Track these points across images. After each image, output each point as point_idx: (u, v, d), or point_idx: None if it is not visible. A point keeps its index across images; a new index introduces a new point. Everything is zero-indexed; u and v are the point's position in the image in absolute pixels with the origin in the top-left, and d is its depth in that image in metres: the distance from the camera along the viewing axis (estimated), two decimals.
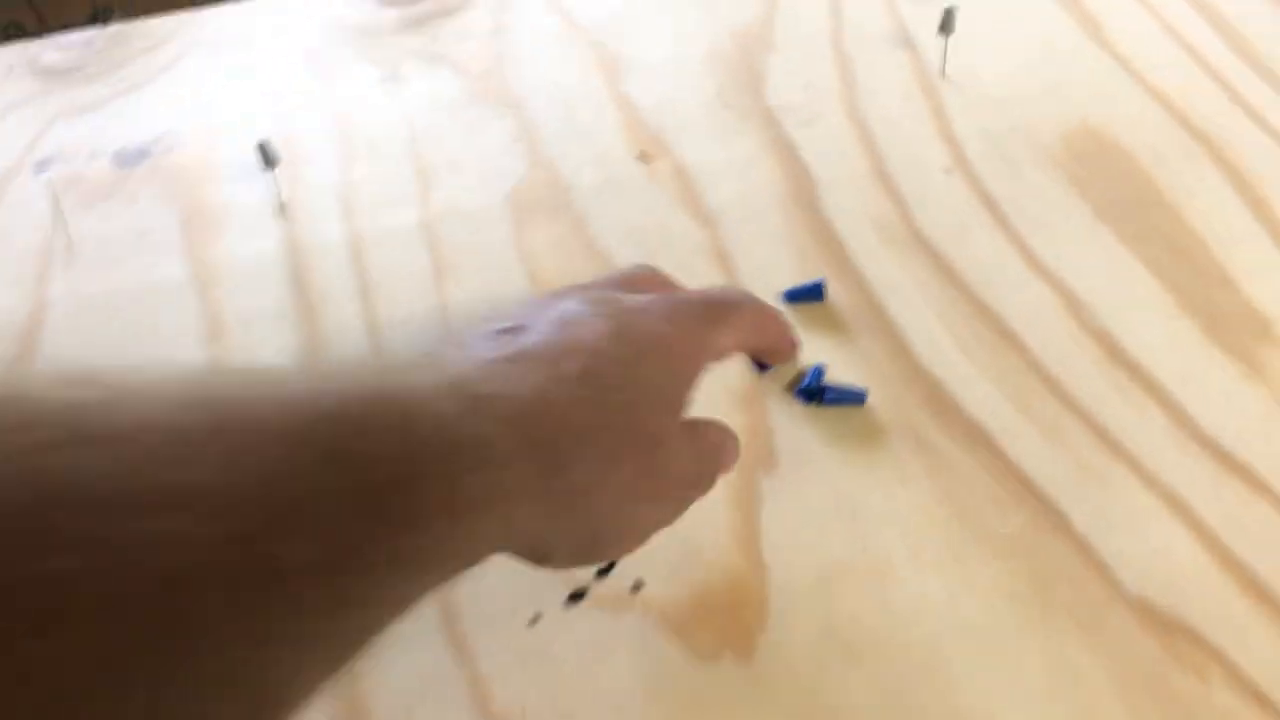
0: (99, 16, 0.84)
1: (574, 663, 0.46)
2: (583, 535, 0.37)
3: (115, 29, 0.80)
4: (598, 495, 0.36)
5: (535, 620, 0.47)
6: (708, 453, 0.42)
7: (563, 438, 0.34)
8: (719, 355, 0.42)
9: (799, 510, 0.50)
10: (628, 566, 0.48)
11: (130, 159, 0.70)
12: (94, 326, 0.60)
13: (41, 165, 0.69)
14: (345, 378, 0.31)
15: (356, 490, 0.27)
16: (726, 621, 0.47)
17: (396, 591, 0.30)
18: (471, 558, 0.33)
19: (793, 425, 0.53)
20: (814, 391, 0.53)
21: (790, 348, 0.46)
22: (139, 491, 0.23)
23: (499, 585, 0.48)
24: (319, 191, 0.66)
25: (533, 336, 0.36)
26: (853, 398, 0.53)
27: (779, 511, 0.50)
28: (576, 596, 0.48)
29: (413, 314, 0.59)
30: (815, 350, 0.56)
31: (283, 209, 0.65)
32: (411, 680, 0.46)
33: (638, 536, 0.40)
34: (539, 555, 0.37)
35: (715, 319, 0.42)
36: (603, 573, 0.48)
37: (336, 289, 0.61)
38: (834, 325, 0.57)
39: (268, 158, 0.63)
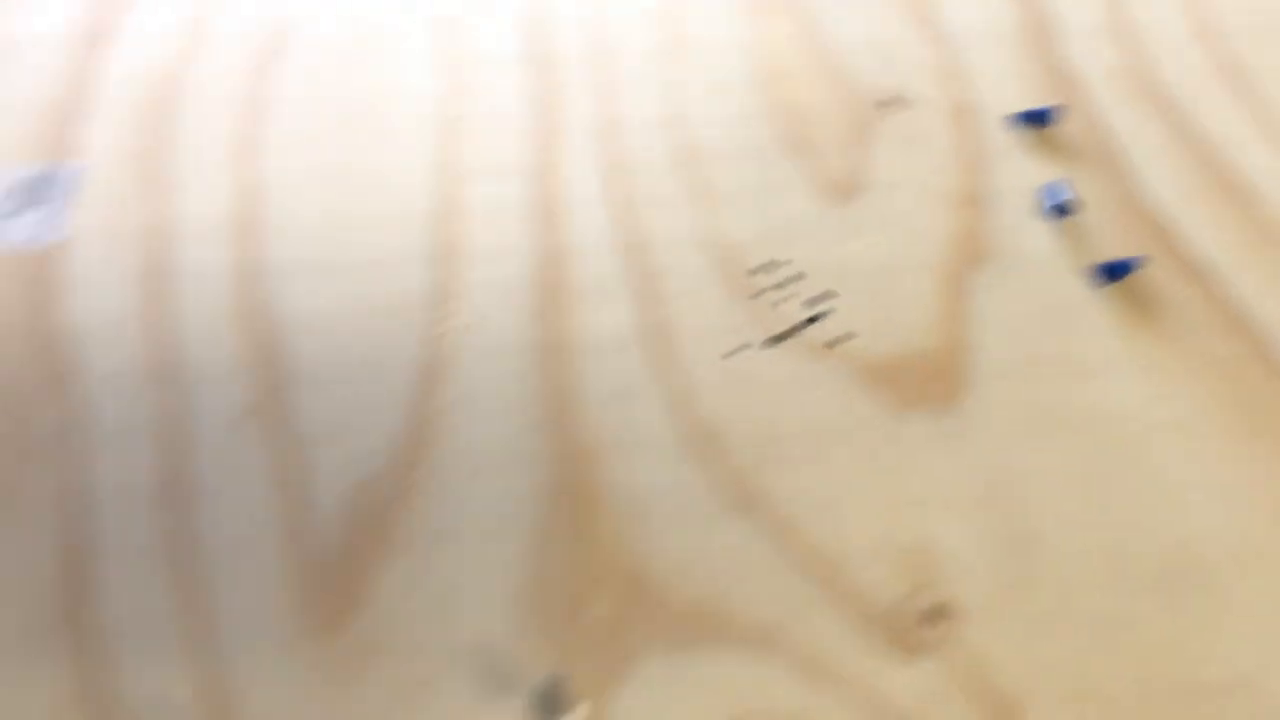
0: None
1: (775, 391, 0.47)
2: None
3: None
4: None
5: (737, 350, 0.48)
6: None
7: None
8: None
9: (1007, 305, 0.50)
10: (832, 322, 0.49)
11: None
12: (324, 42, 0.62)
13: None
14: None
15: None
16: (927, 384, 0.48)
17: None
18: None
19: (1009, 231, 0.53)
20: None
21: None
22: None
23: (710, 315, 0.49)
24: None
25: None
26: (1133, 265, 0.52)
27: (987, 304, 0.51)
28: (781, 338, 0.49)
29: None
30: (1040, 174, 0.56)
31: None
32: (616, 382, 0.47)
33: None
34: None
35: None
36: (807, 323, 0.49)
37: None
38: (1060, 152, 0.57)
39: None
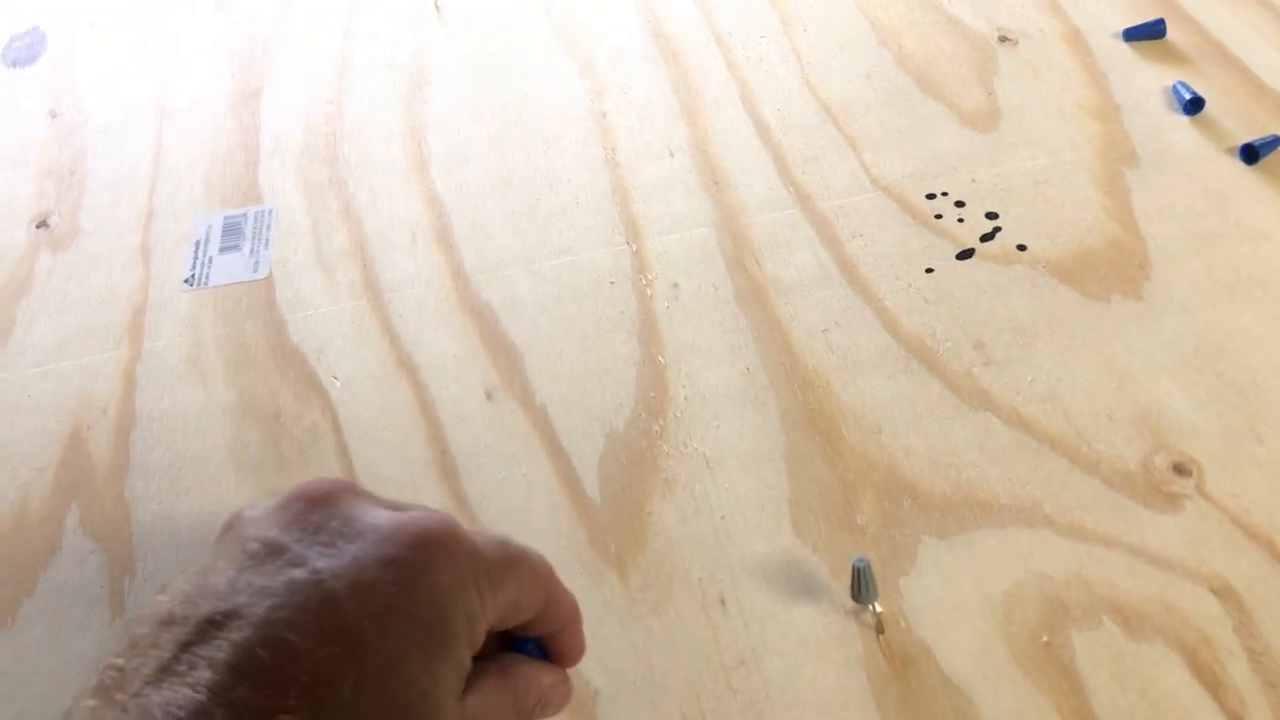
0: None
1: (973, 299, 0.50)
2: None
3: None
4: None
5: (928, 271, 0.52)
6: (517, 702, 0.32)
7: None
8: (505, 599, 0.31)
9: (1168, 193, 0.54)
10: (1009, 234, 0.53)
11: None
12: (472, 63, 0.66)
13: None
14: None
15: None
16: (1111, 272, 0.51)
17: None
18: None
19: (1151, 131, 0.57)
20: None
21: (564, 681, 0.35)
22: None
23: (893, 244, 0.53)
24: None
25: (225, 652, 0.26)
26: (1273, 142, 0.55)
27: (1148, 196, 0.54)
28: (965, 254, 0.52)
29: (756, 50, 0.64)
30: (1162, 76, 0.59)
31: None
32: (824, 314, 0.50)
33: None
34: None
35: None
36: (986, 238, 0.53)
37: (691, 37, 0.66)
38: (1173, 57, 0.60)
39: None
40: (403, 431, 0.49)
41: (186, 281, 0.56)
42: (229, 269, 0.56)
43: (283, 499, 0.30)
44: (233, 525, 0.30)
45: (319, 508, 0.30)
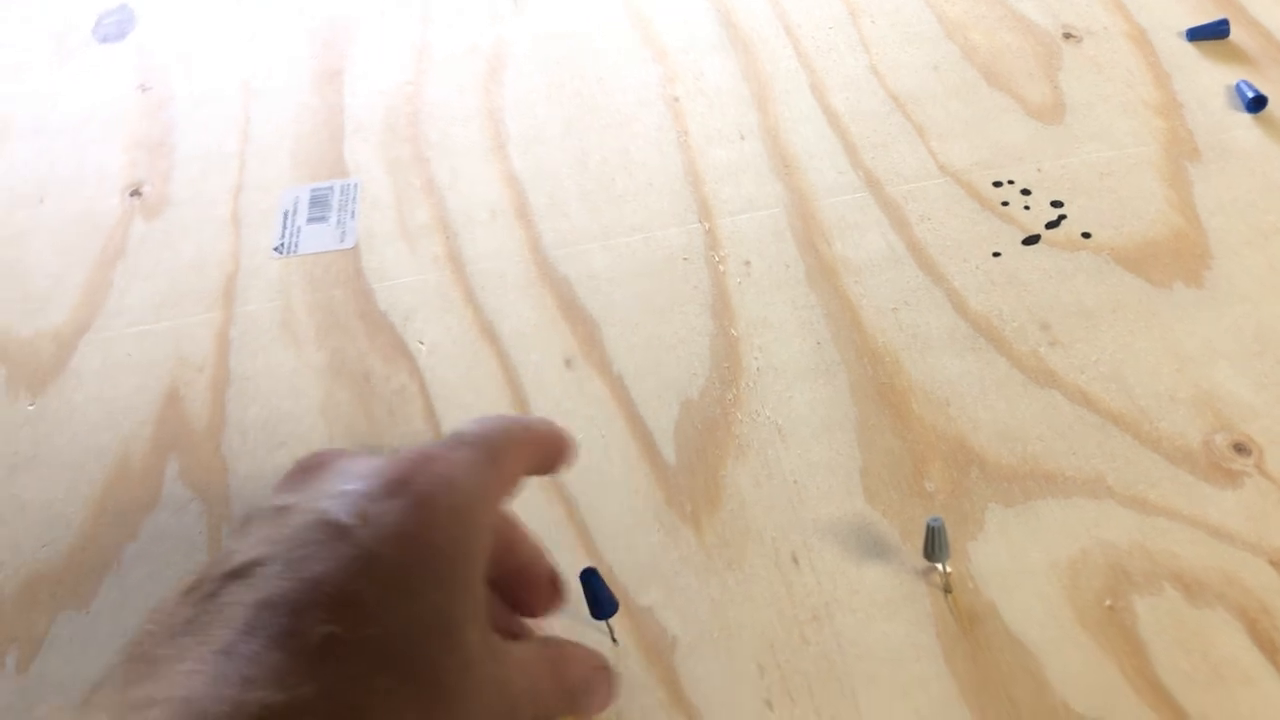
0: None
1: (1039, 283, 0.52)
2: None
3: None
4: None
5: (994, 255, 0.53)
6: (557, 672, 0.34)
7: None
8: (503, 493, 0.34)
9: (1230, 188, 0.55)
10: (1074, 222, 0.54)
11: None
12: (548, 51, 0.68)
13: None
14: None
15: None
16: (1173, 261, 0.52)
17: None
18: None
19: (1214, 127, 0.58)
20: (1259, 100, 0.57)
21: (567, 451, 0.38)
22: None
23: (960, 229, 0.55)
24: None
25: (255, 583, 0.28)
26: None
27: (1210, 190, 0.55)
28: (1031, 240, 0.54)
29: (824, 40, 0.66)
30: (1225, 75, 0.60)
31: None
32: (892, 294, 0.52)
33: None
34: None
35: (494, 457, 0.34)
36: (1051, 225, 0.54)
37: (761, 26, 0.68)
38: (1236, 57, 0.62)
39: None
40: (487, 395, 0.51)
41: (276, 250, 0.58)
42: (317, 238, 0.59)
43: (282, 477, 0.33)
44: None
45: (315, 469, 0.33)
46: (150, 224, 0.61)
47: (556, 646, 0.35)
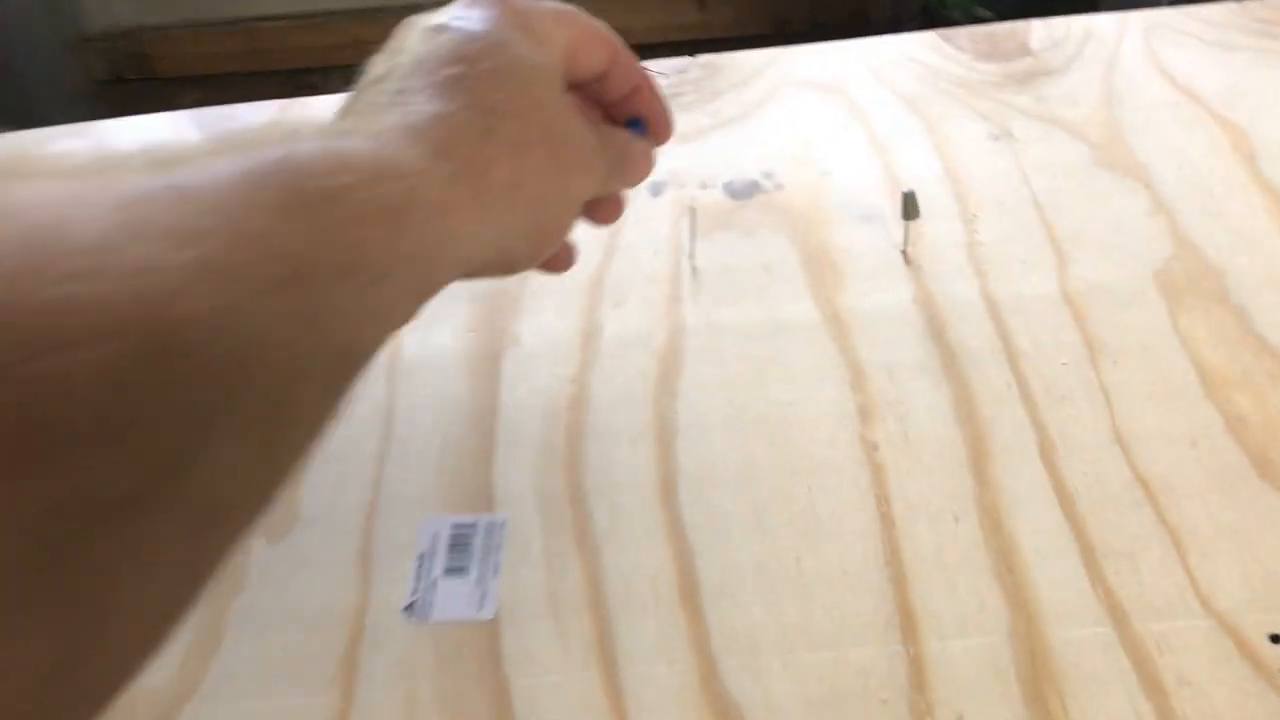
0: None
1: None
2: (527, 226, 0.40)
3: (706, 59, 0.82)
4: (524, 185, 0.39)
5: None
6: (606, 132, 0.46)
7: (469, 144, 0.37)
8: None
9: None
10: None
11: (741, 191, 0.70)
12: (729, 355, 0.60)
13: (656, 189, 0.71)
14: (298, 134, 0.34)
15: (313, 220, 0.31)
16: None
17: (368, 303, 0.32)
18: (430, 281, 0.36)
19: None
20: None
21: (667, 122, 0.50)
22: (112, 229, 0.25)
23: (1228, 704, 0.44)
24: (944, 246, 0.65)
25: (406, 57, 0.40)
26: None
27: None
28: None
29: (1056, 382, 0.56)
30: None
31: (907, 259, 0.64)
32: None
33: (572, 209, 0.44)
34: (505, 262, 0.42)
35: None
36: None
37: (979, 350, 0.59)
38: None
39: (910, 208, 0.62)
40: None
41: (406, 610, 0.51)
42: (453, 600, 0.51)
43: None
44: None
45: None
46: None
47: (597, 115, 0.48)
